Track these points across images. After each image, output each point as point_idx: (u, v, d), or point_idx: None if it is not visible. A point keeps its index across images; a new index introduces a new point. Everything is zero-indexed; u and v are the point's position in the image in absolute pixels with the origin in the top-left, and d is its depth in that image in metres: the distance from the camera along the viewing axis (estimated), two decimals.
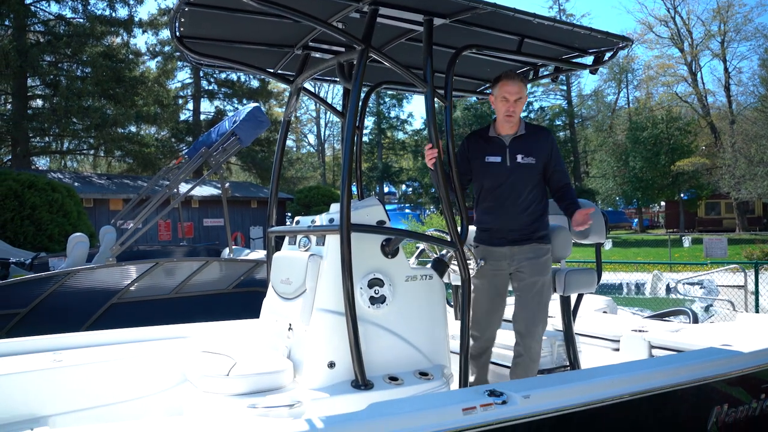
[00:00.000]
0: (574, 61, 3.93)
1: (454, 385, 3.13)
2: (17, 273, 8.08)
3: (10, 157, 25.02)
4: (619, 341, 4.25)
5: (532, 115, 46.41)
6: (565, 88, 45.78)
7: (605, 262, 4.07)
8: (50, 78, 24.54)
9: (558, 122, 46.18)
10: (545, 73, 4.30)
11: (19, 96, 23.87)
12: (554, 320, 4.20)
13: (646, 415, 2.83)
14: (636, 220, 43.95)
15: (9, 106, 25.38)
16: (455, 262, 3.23)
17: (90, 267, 6.72)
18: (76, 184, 21.03)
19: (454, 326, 3.55)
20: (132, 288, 6.68)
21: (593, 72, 4.03)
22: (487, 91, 4.71)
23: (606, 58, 3.88)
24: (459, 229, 3.11)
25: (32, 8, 24.41)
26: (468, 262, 3.15)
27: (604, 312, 5.14)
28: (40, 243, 14.16)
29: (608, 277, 13.49)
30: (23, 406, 3.03)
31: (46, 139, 26.82)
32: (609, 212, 37.79)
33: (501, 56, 3.87)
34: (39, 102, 25.95)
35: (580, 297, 3.88)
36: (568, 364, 3.68)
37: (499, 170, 3.41)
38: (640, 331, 4.15)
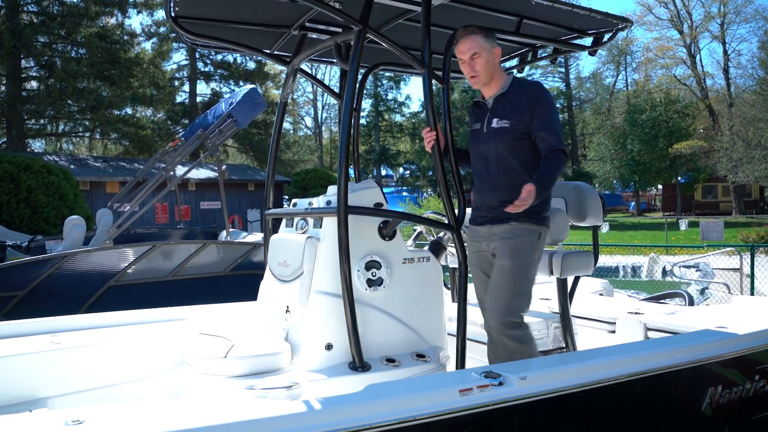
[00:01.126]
0: (573, 42, 3.90)
1: (451, 366, 3.15)
2: (14, 256, 8.07)
3: (5, 139, 24.91)
4: (615, 323, 4.27)
5: None
6: (563, 70, 45.61)
7: (602, 245, 4.08)
8: (45, 59, 24.38)
9: (557, 105, 46.08)
10: (544, 54, 4.27)
11: (14, 78, 23.70)
12: (551, 302, 4.22)
13: (641, 396, 2.85)
14: (633, 204, 44.07)
15: (3, 88, 25.20)
16: (452, 245, 3.23)
17: (87, 249, 6.72)
18: (72, 166, 20.96)
19: (452, 308, 3.57)
20: (129, 270, 6.69)
21: (592, 54, 4.00)
22: None
23: (605, 39, 3.85)
24: (456, 211, 3.10)
25: None
26: (465, 244, 3.15)
27: (601, 294, 5.16)
28: (37, 226, 14.14)
29: (605, 260, 13.55)
30: (22, 388, 3.04)
31: (42, 121, 26.69)
32: (606, 195, 37.91)
33: (499, 37, 3.84)
34: (34, 84, 25.78)
35: (576, 279, 3.89)
36: (564, 345, 3.70)
37: (477, 138, 3.13)
38: (636, 313, 4.17)
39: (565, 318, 3.65)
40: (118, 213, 8.76)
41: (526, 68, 4.62)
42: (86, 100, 23.89)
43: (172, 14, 3.33)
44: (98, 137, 30.59)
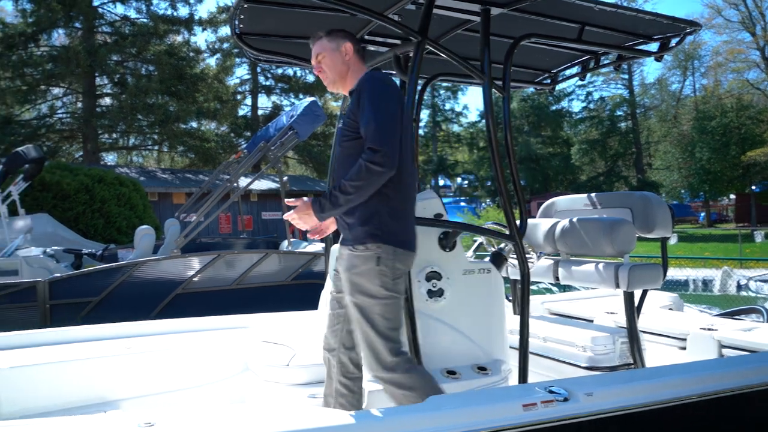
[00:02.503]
0: (637, 48, 3.79)
1: (513, 380, 3.09)
2: (89, 263, 8.49)
3: (81, 153, 26.26)
4: (686, 339, 4.09)
5: (591, 106, 45.20)
6: (626, 76, 44.28)
7: (671, 257, 3.91)
8: (117, 76, 25.61)
9: (619, 112, 44.79)
10: (606, 61, 4.17)
11: (89, 95, 25.01)
12: (617, 316, 4.09)
13: (715, 418, 2.71)
14: (703, 214, 42.21)
15: (80, 105, 26.61)
16: (514, 256, 3.18)
17: (156, 258, 6.98)
18: (141, 178, 21.90)
19: (513, 321, 3.51)
20: (195, 279, 6.90)
21: (658, 59, 3.88)
22: (546, 81, 4.61)
23: (672, 44, 3.72)
24: (518, 222, 3.05)
25: (100, 10, 25.48)
26: (527, 256, 3.10)
27: (670, 309, 4.96)
28: (110, 235, 14.82)
29: (674, 273, 13.00)
30: (97, 390, 3.18)
31: (114, 135, 28.02)
32: (674, 205, 36.41)
33: (560, 45, 3.78)
34: (107, 100, 27.09)
35: (644, 293, 3.75)
36: (632, 362, 3.57)
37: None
38: (709, 329, 3.98)
39: (632, 333, 3.52)
40: (184, 223, 9.06)
41: (588, 75, 4.52)
42: (155, 115, 24.94)
43: (237, 31, 3.45)
44: (166, 150, 31.80)
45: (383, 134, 2.35)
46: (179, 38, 27.80)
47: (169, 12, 26.62)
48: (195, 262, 6.99)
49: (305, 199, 2.43)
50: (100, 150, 27.19)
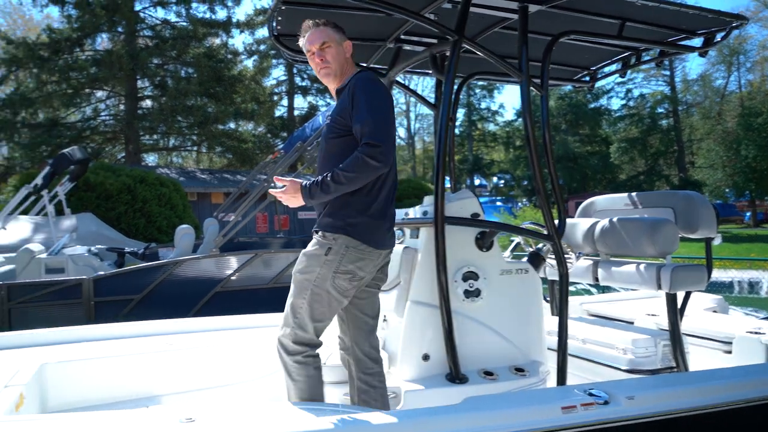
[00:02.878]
0: (680, 43, 3.70)
1: (551, 382, 3.05)
2: (131, 262, 8.71)
3: (123, 154, 26.95)
4: (731, 343, 3.96)
5: (631, 103, 44.24)
6: (668, 73, 43.20)
7: (715, 258, 3.79)
8: (158, 79, 26.17)
9: (660, 110, 43.67)
10: (648, 57, 4.08)
11: (131, 97, 25.65)
12: (659, 318, 3.99)
13: (762, 425, 2.63)
14: (749, 214, 40.85)
15: (122, 107, 27.31)
16: (552, 256, 3.14)
17: (196, 257, 7.12)
18: (181, 178, 22.35)
19: (551, 322, 3.46)
20: (233, 277, 7.01)
21: (702, 55, 3.77)
22: (585, 79, 4.53)
23: (717, 39, 3.61)
24: (556, 221, 3.01)
25: (141, 14, 26.10)
26: (566, 256, 3.05)
27: (714, 311, 4.82)
28: (150, 234, 15.18)
29: (718, 274, 12.63)
30: (139, 386, 3.26)
31: (155, 137, 28.65)
32: (718, 205, 35.40)
33: (600, 41, 3.71)
34: (148, 102, 27.73)
35: (687, 295, 3.66)
36: (674, 365, 3.48)
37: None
38: (756, 332, 3.85)
39: (675, 336, 3.44)
40: (222, 222, 9.22)
41: (628, 72, 4.43)
42: (194, 117, 25.44)
43: (275, 33, 3.49)
44: (204, 151, 32.38)
45: (382, 131, 2.39)
46: (217, 41, 28.27)
47: (207, 15, 27.12)
48: (233, 261, 7.10)
49: (296, 180, 2.47)
50: (142, 151, 27.86)
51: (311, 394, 2.48)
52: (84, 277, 6.66)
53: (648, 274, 3.44)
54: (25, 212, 10.93)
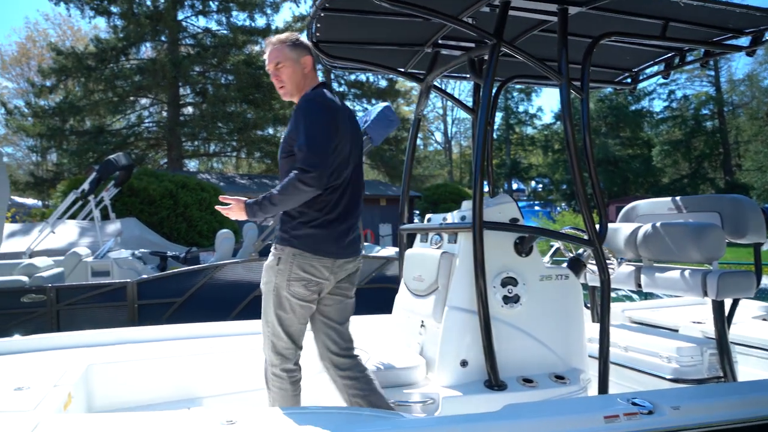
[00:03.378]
0: (727, 43, 3.59)
1: (592, 391, 2.99)
2: (173, 265, 8.91)
3: (165, 160, 27.58)
4: None
5: (674, 105, 43.14)
6: (712, 73, 41.98)
7: (765, 264, 3.67)
8: (199, 86, 26.74)
9: (705, 111, 42.45)
10: (692, 58, 3.97)
11: (173, 104, 26.28)
12: (705, 326, 3.88)
13: None
14: None
15: (165, 114, 27.99)
16: (593, 262, 3.09)
17: (235, 261, 7.23)
18: (221, 184, 22.77)
19: (592, 329, 3.40)
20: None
21: (750, 54, 3.66)
22: (626, 81, 4.45)
23: (766, 37, 3.50)
24: (597, 226, 2.96)
25: (184, 23, 26.73)
26: (608, 261, 2.99)
27: (764, 319, 4.65)
28: (192, 238, 15.49)
29: None
30: (181, 387, 3.32)
31: (196, 143, 29.25)
32: (767, 209, 34.17)
33: (642, 42, 3.63)
34: (189, 109, 28.34)
35: (735, 302, 3.54)
36: (722, 374, 3.37)
37: None
38: None
39: (722, 344, 3.33)
40: (262, 227, 9.34)
41: (671, 73, 4.32)
42: (234, 123, 25.89)
43: (313, 39, 3.52)
44: (244, 156, 32.91)
45: (314, 156, 2.46)
46: (257, 48, 28.72)
47: (247, 23, 27.60)
48: None
49: (240, 198, 2.62)
50: (183, 157, 28.47)
51: (283, 406, 2.60)
52: (128, 280, 6.84)
53: (693, 280, 3.34)
54: (72, 217, 11.30)
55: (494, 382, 2.73)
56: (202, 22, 27.75)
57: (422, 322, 3.18)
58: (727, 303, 3.42)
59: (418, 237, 3.53)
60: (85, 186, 10.20)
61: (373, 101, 32.06)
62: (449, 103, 49.95)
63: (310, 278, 2.60)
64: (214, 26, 27.58)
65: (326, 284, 2.67)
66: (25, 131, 26.52)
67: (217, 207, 2.67)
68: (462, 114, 52.70)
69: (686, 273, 3.42)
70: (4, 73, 39.31)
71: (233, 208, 2.61)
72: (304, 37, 2.95)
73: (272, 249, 2.69)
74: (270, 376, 2.68)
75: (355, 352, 2.79)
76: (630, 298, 8.12)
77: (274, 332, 2.64)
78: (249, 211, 2.58)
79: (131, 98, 26.64)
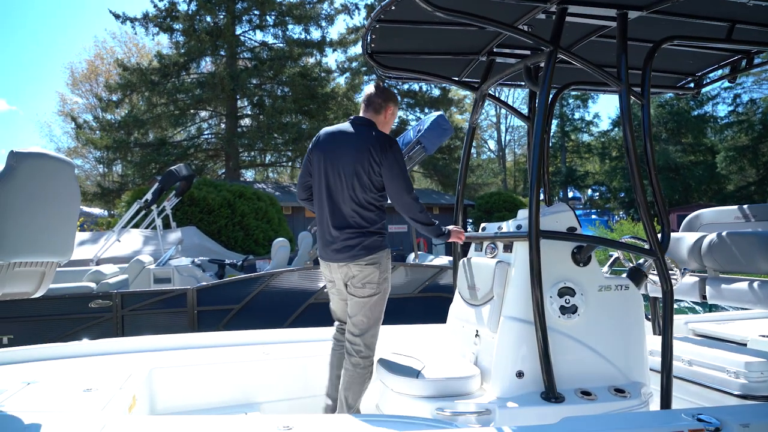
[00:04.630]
0: None
1: (654, 406, 2.89)
2: (231, 273, 9.12)
3: (224, 170, 28.35)
4: None
5: (740, 109, 41.36)
6: None
7: None
8: (256, 99, 27.42)
9: None
10: (760, 60, 3.81)
11: (231, 116, 27.03)
12: None
13: None
14: None
15: (223, 126, 28.81)
16: (654, 272, 2.99)
17: (291, 269, 7.35)
18: (276, 193, 23.21)
19: (653, 342, 3.29)
20: (326, 290, 7.16)
21: None
22: (689, 86, 4.31)
23: None
24: (659, 236, 2.87)
25: (242, 38, 27.50)
26: (670, 272, 2.89)
27: None
28: (248, 247, 15.82)
29: None
30: (238, 392, 3.40)
31: (252, 153, 29.95)
32: None
33: (706, 46, 3.51)
34: (247, 121, 29.08)
35: None
36: None
37: None
38: None
39: None
40: (315, 236, 9.45)
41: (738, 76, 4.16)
42: (289, 133, 26.40)
43: (368, 51, 3.57)
44: (299, 166, 33.43)
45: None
46: (312, 60, 29.25)
47: (302, 36, 28.16)
48: None
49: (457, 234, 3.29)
50: (241, 167, 29.20)
51: (359, 387, 3.14)
52: (188, 287, 7.04)
53: (763, 292, 3.20)
54: (136, 226, 11.76)
55: (551, 394, 2.68)
56: (259, 36, 28.57)
57: (477, 331, 3.16)
58: None
59: (473, 246, 3.51)
60: (148, 196, 10.59)
61: (426, 110, 32.09)
62: (503, 111, 49.46)
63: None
64: (270, 40, 28.28)
65: (327, 284, 3.51)
66: (93, 144, 27.79)
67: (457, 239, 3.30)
68: (516, 121, 52.08)
69: (755, 285, 3.27)
70: (74, 89, 41.39)
71: (458, 239, 3.30)
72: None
73: (368, 258, 3.08)
74: (359, 360, 3.11)
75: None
76: (693, 311, 7.81)
77: (376, 325, 3.17)
78: (445, 237, 3.23)
79: (191, 111, 27.58)
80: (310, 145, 3.25)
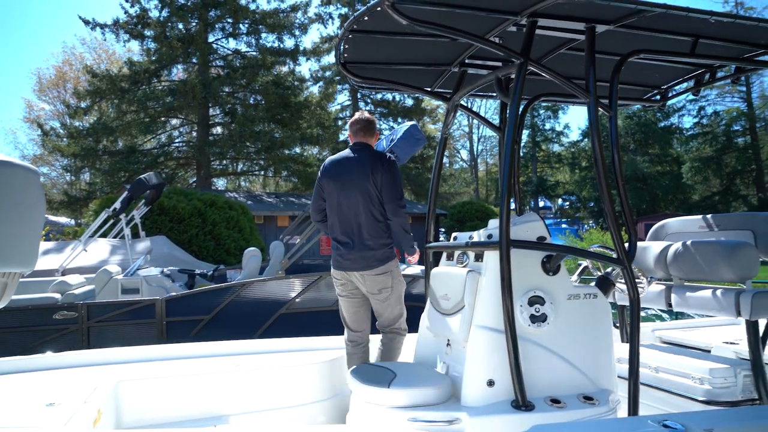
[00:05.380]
0: (759, 59, 3.54)
1: (622, 412, 2.93)
2: (201, 283, 9.01)
3: (195, 179, 28.05)
4: None
5: (704, 121, 42.49)
6: (744, 88, 41.29)
7: None
8: (228, 107, 27.24)
9: (736, 127, 41.69)
10: (723, 74, 3.93)
11: (203, 124, 26.80)
12: (739, 347, 3.78)
13: None
14: None
15: (194, 134, 28.53)
16: (622, 281, 3.04)
17: (262, 279, 7.29)
18: (248, 202, 23.03)
19: (621, 349, 3.34)
20: (298, 299, 7.13)
21: None
22: (655, 98, 4.41)
23: None
24: (626, 245, 2.92)
25: (214, 45, 27.33)
26: (637, 280, 2.95)
27: None
28: (219, 256, 15.64)
29: None
30: (208, 405, 3.35)
31: (224, 162, 29.72)
32: None
33: (672, 60, 3.61)
34: (218, 129, 28.86)
35: None
36: (756, 397, 3.28)
37: None
38: None
39: (757, 366, 3.24)
40: (288, 245, 9.41)
41: (701, 89, 4.27)
42: (261, 142, 26.28)
43: (341, 60, 3.57)
44: (271, 175, 33.30)
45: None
46: (285, 68, 29.19)
47: (276, 44, 28.12)
48: (298, 283, 7.22)
49: (410, 254, 3.91)
50: (212, 176, 28.93)
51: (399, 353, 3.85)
52: (157, 297, 6.93)
53: (726, 300, 3.27)
54: (104, 235, 11.53)
55: (521, 403, 2.69)
56: (232, 44, 28.44)
57: (448, 341, 3.17)
58: (762, 323, 3.34)
59: (444, 255, 3.53)
60: (117, 205, 10.41)
61: (400, 120, 32.26)
62: (475, 121, 49.97)
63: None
64: (243, 48, 28.20)
65: (337, 289, 3.93)
66: (60, 151, 27.26)
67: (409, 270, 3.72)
68: (488, 132, 52.72)
69: (719, 292, 3.35)
70: (41, 95, 40.62)
71: (414, 259, 3.85)
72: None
73: (381, 269, 3.64)
74: (397, 335, 3.81)
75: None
76: (660, 318, 7.96)
77: (400, 315, 3.84)
78: (412, 251, 3.85)
79: (162, 119, 27.27)
80: (319, 174, 3.78)
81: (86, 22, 26.01)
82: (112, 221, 10.97)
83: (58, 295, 6.94)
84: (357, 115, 3.86)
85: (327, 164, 3.78)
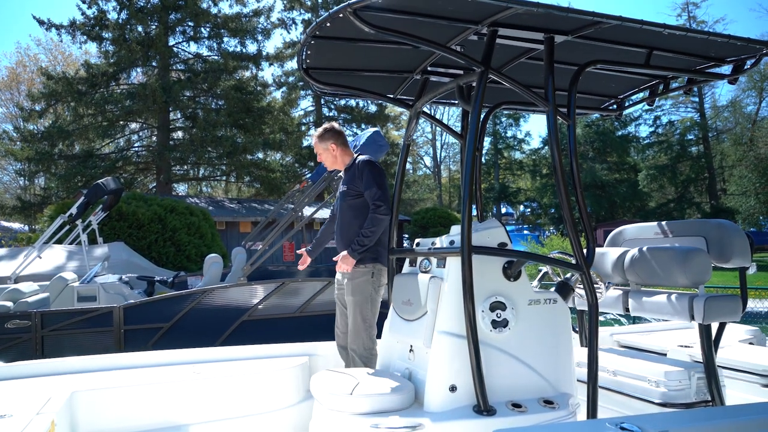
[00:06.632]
0: (710, 71, 3.67)
1: (581, 415, 2.99)
2: (161, 290, 8.82)
3: (154, 184, 27.52)
4: None
5: (659, 130, 43.79)
6: (697, 99, 42.72)
7: (750, 288, 3.70)
8: (189, 111, 26.83)
9: (690, 137, 43.07)
10: (676, 85, 4.05)
11: (163, 129, 26.33)
12: (693, 350, 3.90)
13: None
14: None
15: (154, 138, 28.01)
16: (581, 286, 3.10)
17: (224, 286, 7.18)
18: (210, 208, 22.69)
19: (580, 353, 3.40)
20: (260, 306, 7.05)
21: (732, 82, 3.74)
22: (612, 107, 4.52)
23: (747, 66, 3.58)
24: (585, 251, 2.98)
25: (175, 49, 26.90)
26: (595, 286, 3.01)
27: (750, 343, 4.68)
28: (180, 263, 15.35)
29: (754, 304, 12.26)
30: (167, 414, 3.28)
31: (185, 167, 29.24)
32: (752, 233, 34.47)
33: (627, 70, 3.71)
34: (179, 134, 28.39)
35: (722, 326, 3.56)
36: (709, 398, 3.38)
37: (337, 198, 4.16)
38: None
39: (709, 368, 3.34)
40: (250, 251, 9.30)
41: (656, 99, 4.40)
42: (223, 147, 25.95)
43: (304, 66, 3.56)
44: (233, 180, 32.90)
45: (380, 196, 3.78)
46: (247, 73, 28.93)
47: (238, 49, 27.85)
48: (260, 290, 7.14)
49: (341, 255, 3.74)
50: (172, 181, 28.41)
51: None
52: (115, 305, 6.76)
53: (680, 304, 3.37)
54: (59, 241, 11.19)
55: (483, 407, 2.72)
56: (193, 47, 27.97)
57: (411, 346, 3.18)
58: (714, 327, 3.44)
59: (407, 261, 3.54)
60: (73, 210, 10.12)
61: (363, 126, 32.30)
62: (438, 128, 50.40)
63: (384, 282, 3.85)
64: (205, 52, 27.81)
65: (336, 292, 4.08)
66: (13, 155, 26.43)
67: (338, 268, 3.81)
68: (451, 139, 53.16)
69: (673, 297, 3.44)
70: None
71: (344, 264, 3.72)
72: (334, 125, 4.17)
73: (361, 267, 3.75)
74: (364, 353, 3.71)
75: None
76: (618, 322, 8.14)
77: (370, 325, 3.76)
78: (353, 256, 3.72)
79: (121, 123, 26.70)
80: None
81: (41, 23, 25.31)
82: (68, 227, 10.65)
83: (10, 304, 6.71)
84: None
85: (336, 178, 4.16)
